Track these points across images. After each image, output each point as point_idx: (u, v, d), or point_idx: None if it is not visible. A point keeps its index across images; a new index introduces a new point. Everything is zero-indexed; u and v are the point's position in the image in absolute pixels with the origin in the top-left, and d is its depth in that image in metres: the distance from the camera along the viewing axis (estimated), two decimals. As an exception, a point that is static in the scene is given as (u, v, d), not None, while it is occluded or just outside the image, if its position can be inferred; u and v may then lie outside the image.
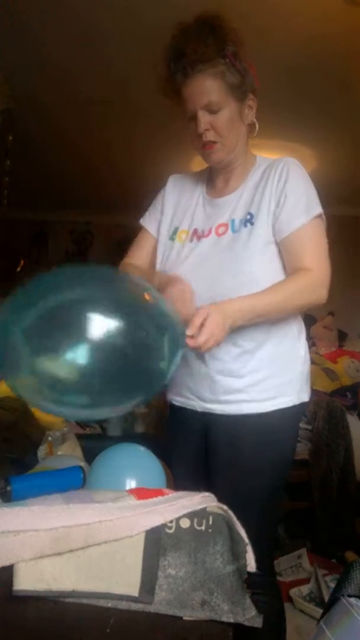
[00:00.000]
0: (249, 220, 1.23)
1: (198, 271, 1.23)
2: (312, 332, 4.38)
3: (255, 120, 1.29)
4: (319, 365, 3.31)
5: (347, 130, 3.19)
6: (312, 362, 3.49)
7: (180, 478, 1.28)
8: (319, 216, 1.24)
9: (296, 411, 1.28)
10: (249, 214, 1.24)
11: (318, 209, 1.23)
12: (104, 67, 2.67)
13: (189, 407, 1.33)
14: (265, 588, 1.19)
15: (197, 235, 1.29)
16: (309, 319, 4.56)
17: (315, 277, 1.19)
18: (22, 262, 4.83)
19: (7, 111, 2.79)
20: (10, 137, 2.89)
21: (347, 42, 2.39)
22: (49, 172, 3.90)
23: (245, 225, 1.23)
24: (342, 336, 4.24)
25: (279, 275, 1.23)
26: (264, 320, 1.18)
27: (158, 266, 1.33)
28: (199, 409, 1.30)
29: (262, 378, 1.24)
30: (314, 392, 3.17)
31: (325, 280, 1.20)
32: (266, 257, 1.22)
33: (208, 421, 1.29)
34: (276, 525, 1.33)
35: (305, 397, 1.30)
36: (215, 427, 1.28)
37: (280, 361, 1.26)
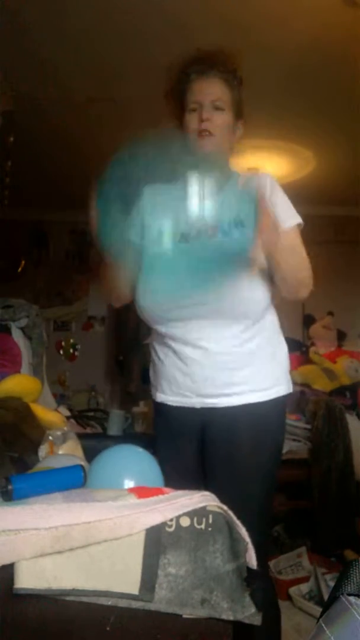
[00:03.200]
0: (239, 224, 1.31)
1: (197, 273, 1.28)
2: (312, 332, 4.38)
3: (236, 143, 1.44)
4: (318, 365, 3.32)
5: (346, 131, 3.19)
6: (312, 361, 3.51)
7: (172, 477, 1.29)
8: (300, 225, 1.39)
9: (284, 401, 1.40)
10: (238, 217, 1.32)
11: (300, 219, 1.38)
12: (103, 68, 2.67)
13: (187, 406, 1.36)
14: (259, 579, 1.22)
15: (185, 237, 1.34)
16: (308, 318, 4.57)
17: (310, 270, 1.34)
18: (23, 262, 4.83)
19: (8, 112, 2.79)
20: (11, 139, 2.90)
21: (346, 43, 2.40)
22: (49, 172, 3.90)
23: (236, 227, 1.32)
24: (341, 336, 4.24)
25: (264, 276, 1.35)
26: (279, 258, 1.28)
27: (144, 270, 1.37)
28: (199, 406, 1.35)
29: (258, 369, 1.33)
30: (313, 391, 3.20)
31: (311, 279, 1.34)
32: (255, 257, 1.29)
33: (207, 416, 1.34)
34: (270, 517, 1.39)
35: (290, 388, 1.41)
36: (214, 421, 1.34)
37: (272, 354, 1.37)
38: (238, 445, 1.31)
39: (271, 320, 1.40)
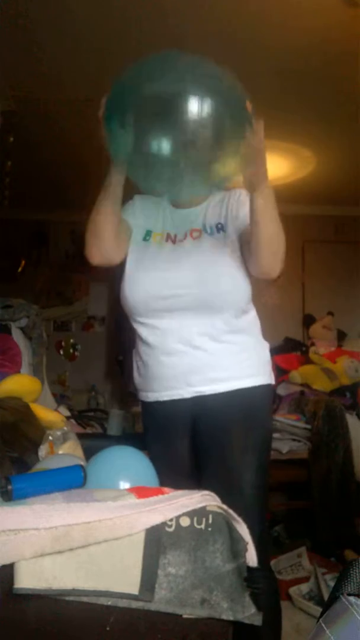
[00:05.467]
0: (221, 227, 1.45)
1: (184, 266, 1.39)
2: (311, 331, 4.38)
3: None
4: (318, 365, 3.32)
5: (346, 131, 3.19)
6: (312, 361, 3.51)
7: (166, 476, 1.31)
8: None
9: (271, 390, 1.48)
10: (219, 223, 1.46)
11: None
12: (103, 67, 2.67)
13: (177, 398, 1.42)
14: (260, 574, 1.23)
15: (172, 238, 1.46)
16: (308, 318, 4.58)
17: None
18: (23, 262, 4.83)
19: (8, 112, 2.80)
20: (11, 139, 2.90)
21: (346, 43, 2.40)
22: (49, 172, 3.90)
23: (218, 231, 1.44)
24: (341, 336, 4.24)
25: (245, 271, 1.42)
26: (260, 216, 1.30)
27: (132, 264, 1.46)
28: (189, 395, 1.40)
29: (241, 357, 1.41)
30: (313, 391, 3.20)
31: (283, 256, 1.35)
32: (237, 254, 1.42)
33: (197, 406, 1.40)
34: (266, 509, 1.44)
35: (273, 381, 1.49)
36: (204, 410, 1.40)
37: (254, 347, 1.46)
38: (229, 431, 1.37)
39: (253, 317, 1.48)
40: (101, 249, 1.46)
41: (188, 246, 1.43)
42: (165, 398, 1.44)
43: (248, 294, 1.44)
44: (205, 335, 1.39)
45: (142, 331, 1.46)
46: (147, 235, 1.49)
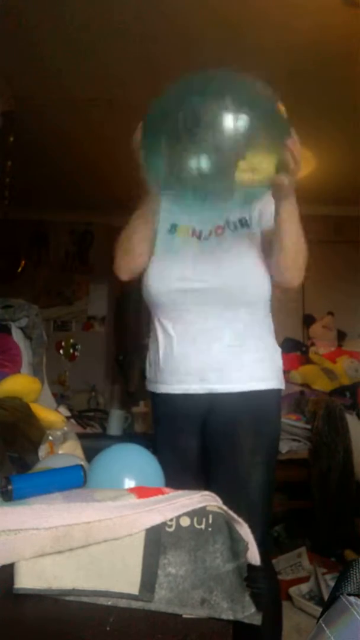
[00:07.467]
0: (244, 223, 1.46)
1: (209, 264, 1.40)
2: (312, 331, 4.39)
3: None
4: (318, 365, 3.32)
5: (346, 131, 3.20)
6: (312, 361, 3.51)
7: (172, 473, 1.31)
8: None
9: (280, 396, 1.48)
10: (243, 218, 1.46)
11: None
12: (103, 67, 2.67)
13: (190, 393, 1.41)
14: (261, 574, 1.24)
15: (197, 234, 1.46)
16: (308, 318, 4.58)
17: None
18: (23, 262, 4.83)
19: (8, 113, 2.80)
20: (11, 139, 2.90)
21: (346, 44, 2.40)
22: (49, 172, 3.90)
23: (242, 227, 1.45)
24: (341, 336, 4.25)
25: (266, 268, 1.42)
26: (287, 224, 1.32)
27: (157, 256, 1.47)
28: (202, 392, 1.40)
29: (258, 358, 1.41)
30: (313, 391, 3.19)
31: (304, 267, 1.38)
32: (260, 251, 1.43)
33: (209, 404, 1.40)
34: (271, 511, 1.44)
35: (283, 386, 1.49)
36: (216, 408, 1.40)
37: (271, 350, 1.47)
38: (240, 431, 1.37)
39: (269, 321, 1.49)
40: (132, 265, 1.48)
41: (213, 243, 1.44)
42: (178, 392, 1.43)
43: (269, 293, 1.44)
44: (225, 333, 1.40)
45: (162, 323, 1.46)
46: (173, 228, 1.49)
